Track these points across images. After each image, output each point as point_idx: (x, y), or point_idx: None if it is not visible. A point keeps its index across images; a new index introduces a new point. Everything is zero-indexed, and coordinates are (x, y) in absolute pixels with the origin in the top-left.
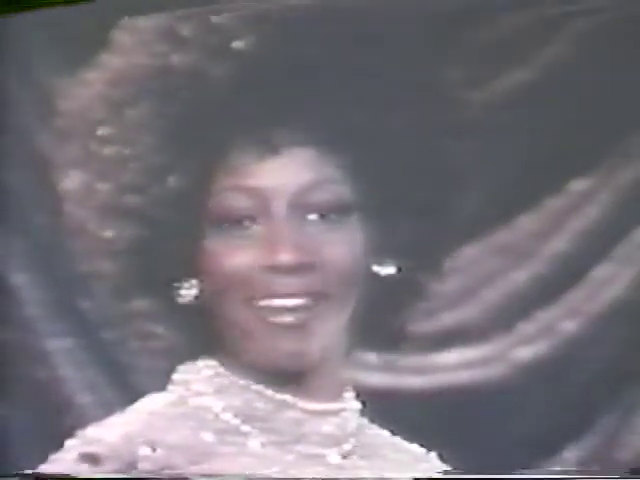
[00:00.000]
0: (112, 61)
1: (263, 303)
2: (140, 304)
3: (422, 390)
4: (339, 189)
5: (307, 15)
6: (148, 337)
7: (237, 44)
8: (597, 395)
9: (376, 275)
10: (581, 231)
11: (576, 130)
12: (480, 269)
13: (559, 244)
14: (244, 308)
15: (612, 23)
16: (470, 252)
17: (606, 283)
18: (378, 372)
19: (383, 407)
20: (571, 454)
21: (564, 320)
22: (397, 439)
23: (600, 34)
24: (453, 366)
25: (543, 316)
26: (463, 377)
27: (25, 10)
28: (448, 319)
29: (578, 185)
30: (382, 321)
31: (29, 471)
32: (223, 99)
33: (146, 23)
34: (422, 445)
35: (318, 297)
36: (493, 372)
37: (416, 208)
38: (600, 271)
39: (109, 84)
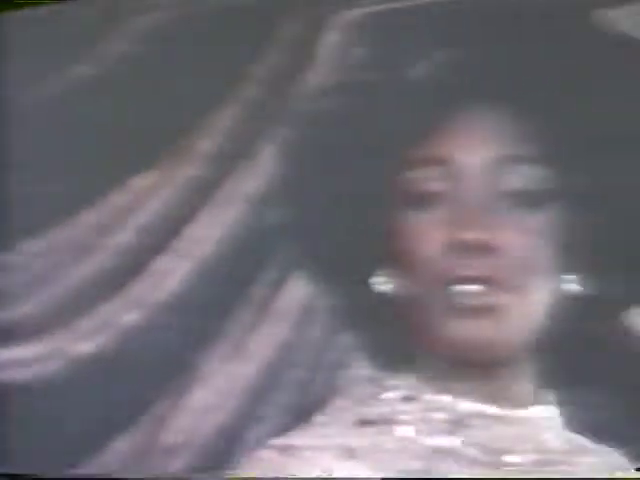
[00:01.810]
0: None
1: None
2: None
3: None
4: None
5: None
6: None
7: None
8: (151, 383)
9: None
10: (143, 225)
11: (140, 128)
12: (40, 264)
13: (123, 237)
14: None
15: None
16: (30, 248)
17: (166, 275)
18: None
19: None
20: (124, 444)
21: (125, 312)
22: None
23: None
24: (4, 364)
25: (105, 309)
26: (15, 375)
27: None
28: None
29: (141, 181)
30: None
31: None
32: None
33: None
34: None
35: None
36: (49, 369)
37: None
38: (160, 263)
39: None
